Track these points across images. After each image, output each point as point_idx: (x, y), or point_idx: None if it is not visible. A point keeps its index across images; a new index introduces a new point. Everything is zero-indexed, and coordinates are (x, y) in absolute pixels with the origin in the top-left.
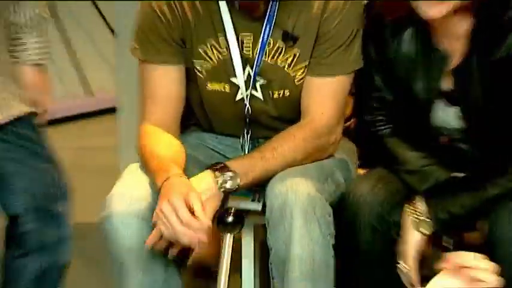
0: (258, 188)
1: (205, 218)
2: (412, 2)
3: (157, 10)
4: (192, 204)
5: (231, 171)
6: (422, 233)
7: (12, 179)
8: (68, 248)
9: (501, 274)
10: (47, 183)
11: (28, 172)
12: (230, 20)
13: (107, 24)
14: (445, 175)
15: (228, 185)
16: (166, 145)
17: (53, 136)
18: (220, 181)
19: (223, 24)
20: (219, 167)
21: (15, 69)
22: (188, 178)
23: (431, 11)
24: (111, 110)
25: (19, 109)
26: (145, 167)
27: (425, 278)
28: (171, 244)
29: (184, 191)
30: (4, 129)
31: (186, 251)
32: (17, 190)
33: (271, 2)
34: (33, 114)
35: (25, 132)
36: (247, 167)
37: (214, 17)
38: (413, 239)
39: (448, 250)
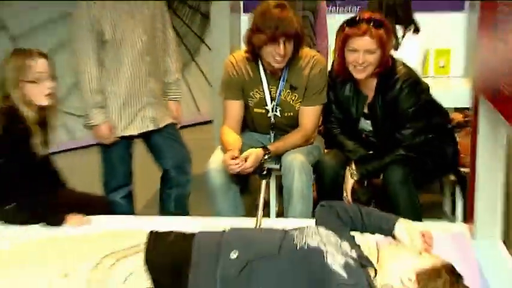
0: (278, 157)
1: (248, 164)
2: (350, 70)
3: (229, 71)
4: (247, 158)
5: (267, 149)
6: (353, 179)
7: (165, 151)
8: (189, 185)
9: (388, 201)
10: (181, 154)
11: (173, 148)
12: (265, 79)
13: (206, 78)
14: (364, 152)
15: (266, 156)
16: (232, 137)
17: (182, 133)
18: (263, 153)
19: (261, 80)
20: (263, 147)
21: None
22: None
23: (359, 75)
24: (210, 122)
25: (169, 120)
26: (222, 146)
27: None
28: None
29: (236, 154)
30: (162, 130)
31: (242, 181)
32: (167, 157)
33: (284, 69)
34: (173, 123)
35: (170, 131)
36: (274, 148)
37: (257, 77)
38: (349, 181)
39: (363, 186)
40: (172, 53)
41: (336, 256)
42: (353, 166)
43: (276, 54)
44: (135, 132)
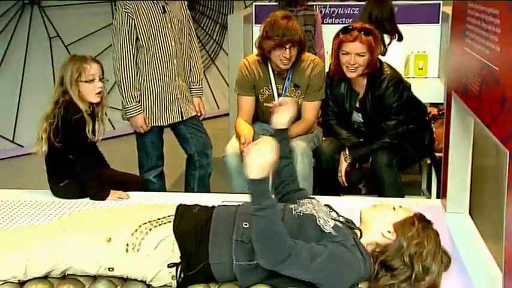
0: None
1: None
2: (344, 70)
3: (243, 72)
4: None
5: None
6: (347, 162)
7: (189, 139)
8: (211, 166)
9: (375, 181)
10: (204, 141)
11: (196, 136)
12: (273, 78)
13: (223, 78)
14: (356, 140)
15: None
16: (245, 127)
17: (204, 124)
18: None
19: (270, 80)
20: (271, 135)
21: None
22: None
23: (351, 74)
24: (227, 115)
25: (193, 113)
26: (237, 135)
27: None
28: None
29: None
30: (187, 121)
31: None
32: (191, 143)
33: (289, 70)
34: (197, 115)
35: (194, 122)
36: None
37: (266, 76)
38: (343, 164)
39: (355, 169)
40: (196, 57)
41: (327, 220)
42: (347, 151)
43: (282, 57)
44: (165, 124)
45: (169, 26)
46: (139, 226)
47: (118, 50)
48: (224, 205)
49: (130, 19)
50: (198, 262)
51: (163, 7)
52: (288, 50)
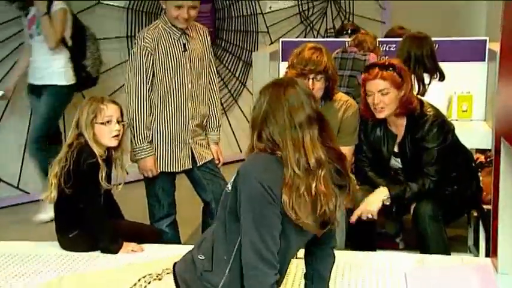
0: None
1: None
2: (373, 111)
3: None
4: None
5: None
6: (383, 201)
7: (206, 185)
8: None
9: (417, 234)
10: (221, 188)
11: (213, 181)
12: None
13: (247, 120)
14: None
15: None
16: None
17: (224, 169)
18: None
19: None
20: None
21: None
22: None
23: (379, 115)
24: None
25: (208, 157)
26: None
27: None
28: None
29: None
30: (202, 165)
31: None
32: (207, 190)
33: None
34: (212, 159)
35: (210, 166)
36: None
37: None
38: (378, 201)
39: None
40: (215, 103)
41: None
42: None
43: None
44: (174, 170)
45: (187, 66)
46: (139, 280)
47: (132, 85)
48: None
49: (149, 53)
50: None
51: (184, 45)
52: (311, 80)
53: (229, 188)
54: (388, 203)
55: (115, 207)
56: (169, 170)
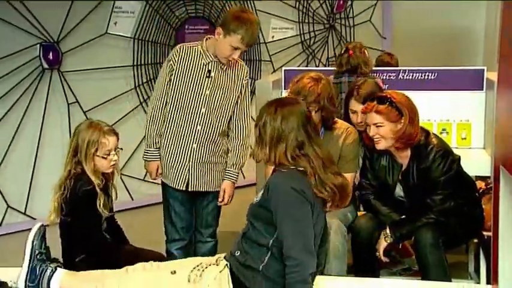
0: None
1: None
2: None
3: None
4: None
5: None
6: (387, 242)
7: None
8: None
9: (418, 261)
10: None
11: (200, 215)
12: None
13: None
14: (397, 217)
15: None
16: None
17: None
18: None
19: None
20: None
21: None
22: None
23: (377, 146)
24: (254, 184)
25: (209, 189)
26: None
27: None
28: None
29: None
30: (202, 195)
31: None
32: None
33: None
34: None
35: (210, 198)
36: None
37: None
38: (382, 243)
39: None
40: (242, 140)
41: None
42: (387, 231)
43: None
44: (171, 184)
45: (207, 92)
46: (197, 265)
47: (155, 90)
48: None
49: (171, 65)
50: None
51: (209, 71)
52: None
53: (257, 199)
54: (389, 241)
55: (119, 232)
56: (166, 181)
